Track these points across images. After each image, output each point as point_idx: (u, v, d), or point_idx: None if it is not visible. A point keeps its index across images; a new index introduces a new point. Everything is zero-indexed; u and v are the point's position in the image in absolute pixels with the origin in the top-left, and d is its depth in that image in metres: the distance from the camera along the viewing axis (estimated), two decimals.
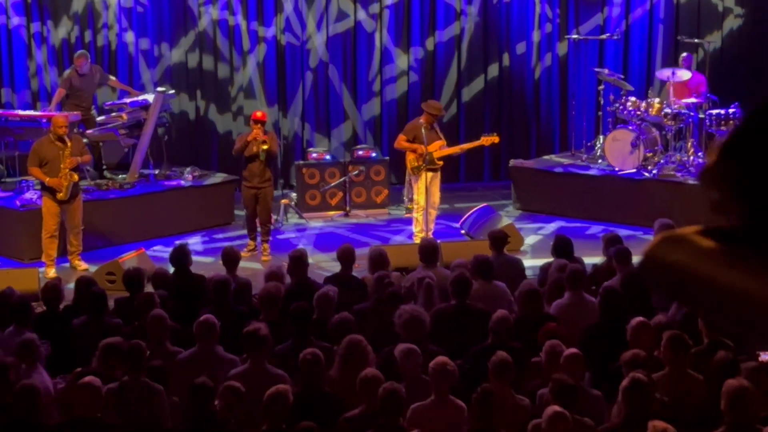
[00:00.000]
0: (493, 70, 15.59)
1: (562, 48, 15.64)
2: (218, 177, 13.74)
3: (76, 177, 11.22)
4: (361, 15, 15.16)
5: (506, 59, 15.55)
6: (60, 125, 11.13)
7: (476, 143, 12.38)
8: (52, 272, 11.01)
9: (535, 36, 15.56)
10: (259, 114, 11.93)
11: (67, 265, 11.42)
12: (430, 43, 15.42)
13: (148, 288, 8.47)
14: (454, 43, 15.42)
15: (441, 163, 11.83)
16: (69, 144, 11.11)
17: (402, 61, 15.32)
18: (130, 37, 14.57)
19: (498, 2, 15.36)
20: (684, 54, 14.04)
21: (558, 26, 15.53)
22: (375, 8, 15.17)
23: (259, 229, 11.90)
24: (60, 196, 11.08)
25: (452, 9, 15.37)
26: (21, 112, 13.25)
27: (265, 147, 11.52)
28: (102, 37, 14.52)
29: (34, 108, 13.95)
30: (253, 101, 14.89)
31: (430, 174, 11.73)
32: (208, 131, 15.03)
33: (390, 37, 15.26)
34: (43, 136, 11.61)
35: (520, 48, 15.55)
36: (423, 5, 15.28)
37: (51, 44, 14.38)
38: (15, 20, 14.18)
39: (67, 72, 13.42)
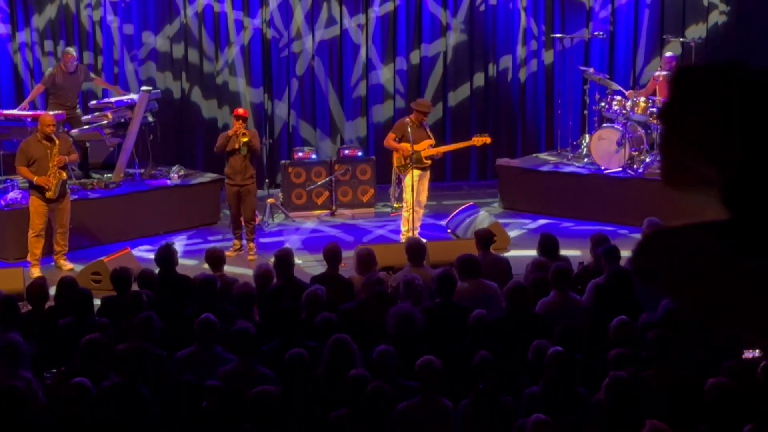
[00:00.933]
0: (479, 71, 15.61)
1: (547, 48, 15.68)
2: (204, 176, 13.72)
3: (64, 175, 11.19)
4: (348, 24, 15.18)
5: (491, 60, 15.58)
6: (48, 124, 11.10)
7: (467, 143, 12.38)
8: (37, 271, 10.96)
9: (521, 38, 15.58)
10: (240, 111, 11.95)
11: (53, 264, 11.37)
12: (415, 56, 15.43)
13: (134, 288, 8.44)
14: (440, 48, 15.43)
15: (429, 162, 11.81)
16: (57, 142, 11.09)
17: (387, 71, 15.33)
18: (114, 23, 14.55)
19: (484, 10, 15.38)
20: (668, 53, 14.08)
21: (543, 32, 15.56)
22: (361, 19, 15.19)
23: (244, 228, 11.87)
24: (49, 194, 11.04)
25: (438, 21, 15.38)
26: (6, 111, 13.18)
27: (245, 139, 11.52)
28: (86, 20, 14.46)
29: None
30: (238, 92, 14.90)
31: (417, 172, 11.72)
32: (193, 127, 15.00)
33: (375, 48, 15.26)
34: (29, 135, 11.56)
35: (506, 52, 15.59)
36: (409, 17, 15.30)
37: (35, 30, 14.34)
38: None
39: (50, 69, 13.37)
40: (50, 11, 14.27)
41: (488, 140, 12.22)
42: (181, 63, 14.86)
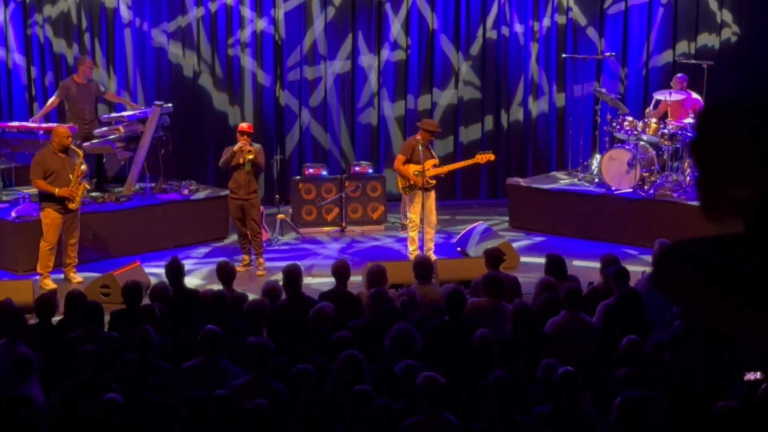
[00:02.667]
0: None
1: (559, 66, 15.73)
2: (214, 191, 13.74)
3: (87, 186, 11.25)
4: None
5: (504, 84, 15.64)
6: (66, 136, 11.09)
7: (471, 161, 12.38)
8: (50, 283, 10.95)
9: (532, 63, 15.64)
10: (245, 125, 11.96)
11: (62, 276, 11.38)
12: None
13: (145, 301, 8.45)
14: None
15: (434, 182, 11.81)
16: (81, 153, 11.14)
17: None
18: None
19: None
20: (678, 74, 14.08)
21: (555, 56, 15.63)
22: None
23: (251, 243, 11.87)
24: (72, 206, 11.06)
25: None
26: (18, 124, 13.22)
27: (250, 157, 11.54)
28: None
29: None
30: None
31: (422, 193, 11.70)
32: (204, 143, 15.05)
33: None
34: (41, 147, 11.56)
35: (517, 76, 15.66)
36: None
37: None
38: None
39: (64, 81, 13.39)
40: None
41: (492, 157, 12.23)
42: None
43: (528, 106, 15.77)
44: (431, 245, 11.88)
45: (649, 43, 15.65)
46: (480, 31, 15.49)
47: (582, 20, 15.66)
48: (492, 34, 15.51)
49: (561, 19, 15.62)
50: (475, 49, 15.50)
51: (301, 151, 15.34)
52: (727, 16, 15.60)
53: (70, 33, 14.40)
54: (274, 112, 15.16)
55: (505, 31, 15.52)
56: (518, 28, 15.54)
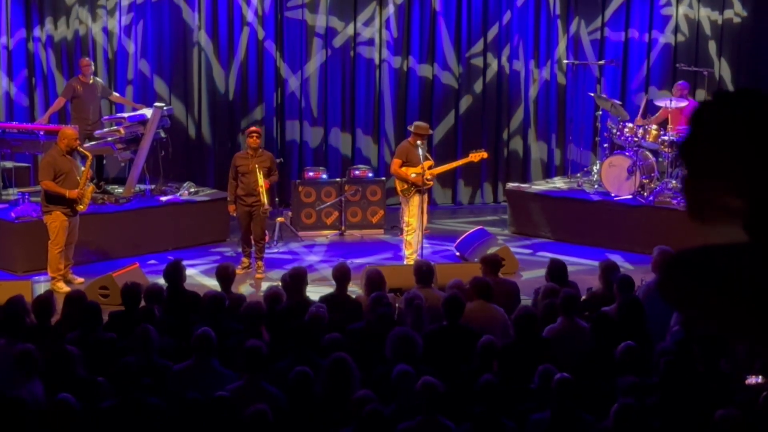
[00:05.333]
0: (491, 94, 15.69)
1: (560, 74, 15.75)
2: (214, 193, 13.74)
3: (93, 188, 11.26)
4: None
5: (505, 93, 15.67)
6: (74, 137, 11.04)
7: (465, 160, 12.43)
8: (64, 286, 10.83)
9: (533, 66, 15.66)
10: (254, 128, 12.14)
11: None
12: (427, 71, 15.52)
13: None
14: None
15: (431, 183, 11.86)
16: (90, 156, 11.14)
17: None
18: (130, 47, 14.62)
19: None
20: (679, 82, 14.08)
21: (556, 59, 15.65)
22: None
23: (253, 247, 11.89)
24: (80, 208, 11.03)
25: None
26: (18, 125, 13.21)
27: (263, 191, 11.57)
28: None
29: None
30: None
31: (419, 196, 11.70)
32: (204, 146, 15.06)
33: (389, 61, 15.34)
34: (42, 148, 11.48)
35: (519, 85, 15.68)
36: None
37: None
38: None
39: (70, 81, 13.37)
40: (63, 28, 14.34)
41: (485, 155, 12.26)
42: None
43: (529, 111, 15.79)
44: (418, 247, 11.79)
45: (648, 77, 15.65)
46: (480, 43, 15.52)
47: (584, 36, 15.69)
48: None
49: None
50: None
51: (301, 155, 15.33)
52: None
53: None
54: (274, 113, 15.16)
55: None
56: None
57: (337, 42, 15.22)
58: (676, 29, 15.54)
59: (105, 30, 14.46)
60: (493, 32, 15.56)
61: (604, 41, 15.67)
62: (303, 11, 15.00)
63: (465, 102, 15.64)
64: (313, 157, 15.29)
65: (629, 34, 15.63)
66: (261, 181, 11.56)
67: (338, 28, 15.20)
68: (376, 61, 15.31)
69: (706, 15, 15.53)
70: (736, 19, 15.55)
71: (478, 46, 15.57)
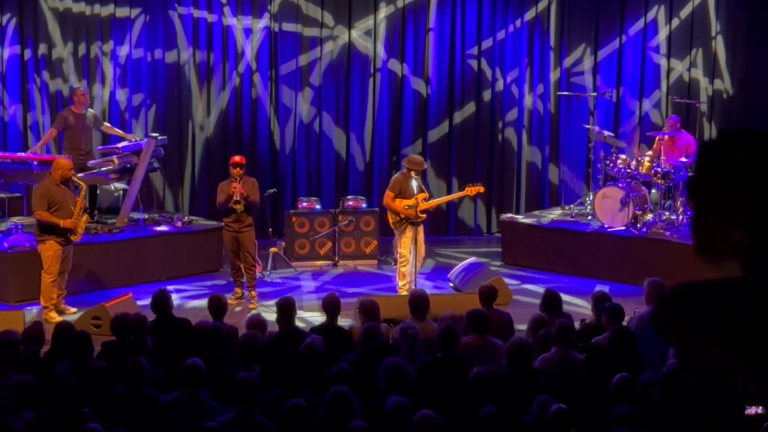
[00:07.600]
0: (485, 133, 15.74)
1: (553, 104, 15.81)
2: (207, 223, 13.74)
3: (89, 218, 11.25)
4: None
5: (498, 125, 15.71)
6: (68, 168, 11.06)
7: (461, 194, 12.44)
8: (56, 316, 10.83)
9: (527, 101, 15.72)
10: (236, 158, 11.85)
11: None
12: (422, 86, 15.58)
13: None
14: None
15: (424, 216, 11.79)
16: (84, 186, 11.15)
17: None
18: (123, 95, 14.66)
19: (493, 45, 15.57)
20: (671, 116, 14.14)
21: (550, 93, 15.72)
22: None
23: (244, 276, 11.84)
24: (74, 237, 11.03)
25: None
26: (12, 155, 13.20)
27: (239, 207, 11.51)
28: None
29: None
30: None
31: (412, 228, 11.68)
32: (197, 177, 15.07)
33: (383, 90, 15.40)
34: (43, 179, 11.39)
35: (512, 114, 15.73)
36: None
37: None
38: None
39: (62, 112, 13.36)
40: (60, 50, 14.38)
41: (481, 189, 12.23)
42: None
43: (522, 141, 15.83)
44: (414, 278, 11.80)
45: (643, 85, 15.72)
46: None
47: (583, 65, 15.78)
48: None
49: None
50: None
51: (295, 185, 15.35)
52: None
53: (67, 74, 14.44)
54: (268, 146, 15.18)
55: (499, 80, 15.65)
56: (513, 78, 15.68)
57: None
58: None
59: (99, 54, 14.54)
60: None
61: (597, 75, 15.74)
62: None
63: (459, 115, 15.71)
64: (306, 187, 15.27)
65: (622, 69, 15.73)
66: (241, 209, 11.52)
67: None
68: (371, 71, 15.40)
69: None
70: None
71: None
